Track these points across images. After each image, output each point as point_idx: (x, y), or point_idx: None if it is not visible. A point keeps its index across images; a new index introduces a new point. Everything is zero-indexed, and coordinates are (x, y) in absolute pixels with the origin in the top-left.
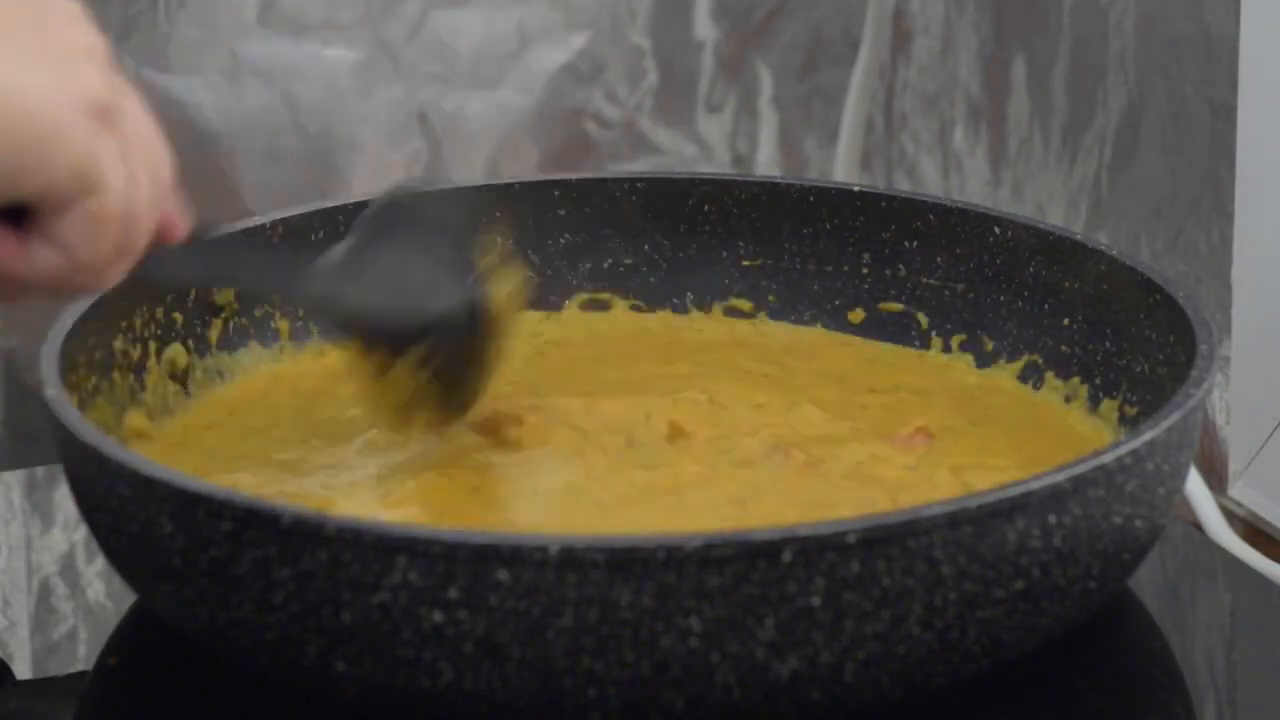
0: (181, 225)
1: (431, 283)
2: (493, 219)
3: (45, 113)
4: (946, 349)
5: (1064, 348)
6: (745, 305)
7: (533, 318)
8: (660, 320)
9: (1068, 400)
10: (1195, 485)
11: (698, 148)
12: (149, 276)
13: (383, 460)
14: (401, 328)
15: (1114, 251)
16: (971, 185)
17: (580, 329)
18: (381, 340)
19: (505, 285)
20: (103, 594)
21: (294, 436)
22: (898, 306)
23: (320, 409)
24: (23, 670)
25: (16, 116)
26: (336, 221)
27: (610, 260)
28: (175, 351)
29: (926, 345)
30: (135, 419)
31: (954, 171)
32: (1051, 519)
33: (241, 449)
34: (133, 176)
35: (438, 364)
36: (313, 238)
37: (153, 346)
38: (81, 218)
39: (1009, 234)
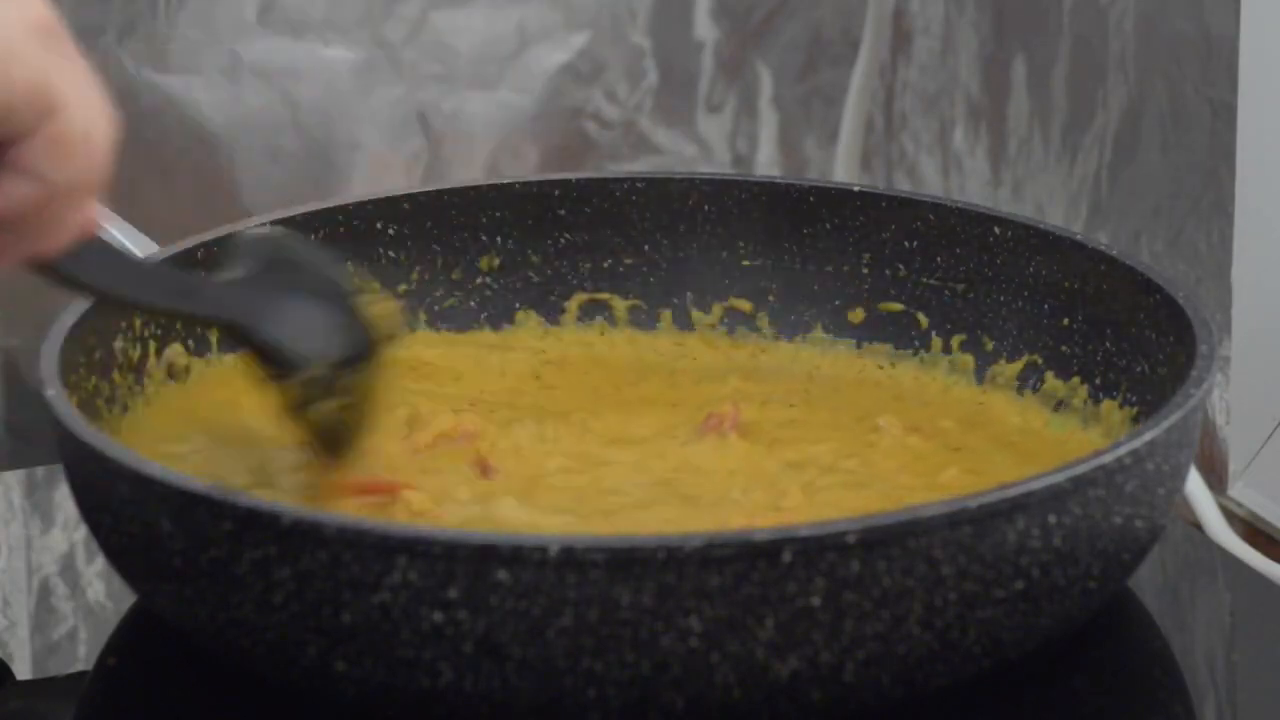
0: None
1: (328, 316)
2: (492, 219)
3: None
4: (946, 349)
5: (1064, 348)
6: (745, 305)
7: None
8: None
9: (1066, 401)
10: (1195, 485)
11: (698, 148)
12: (69, 275)
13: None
14: (319, 354)
15: (1114, 251)
16: (971, 185)
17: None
18: (294, 368)
19: (383, 319)
20: (103, 594)
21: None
22: (898, 306)
23: None
24: (23, 670)
25: None
26: (336, 221)
27: (610, 260)
28: (175, 351)
29: (927, 346)
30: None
31: (954, 171)
32: (1051, 519)
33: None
34: (86, 98)
35: (340, 397)
36: (312, 237)
37: (152, 346)
38: (45, 141)
39: (1009, 234)
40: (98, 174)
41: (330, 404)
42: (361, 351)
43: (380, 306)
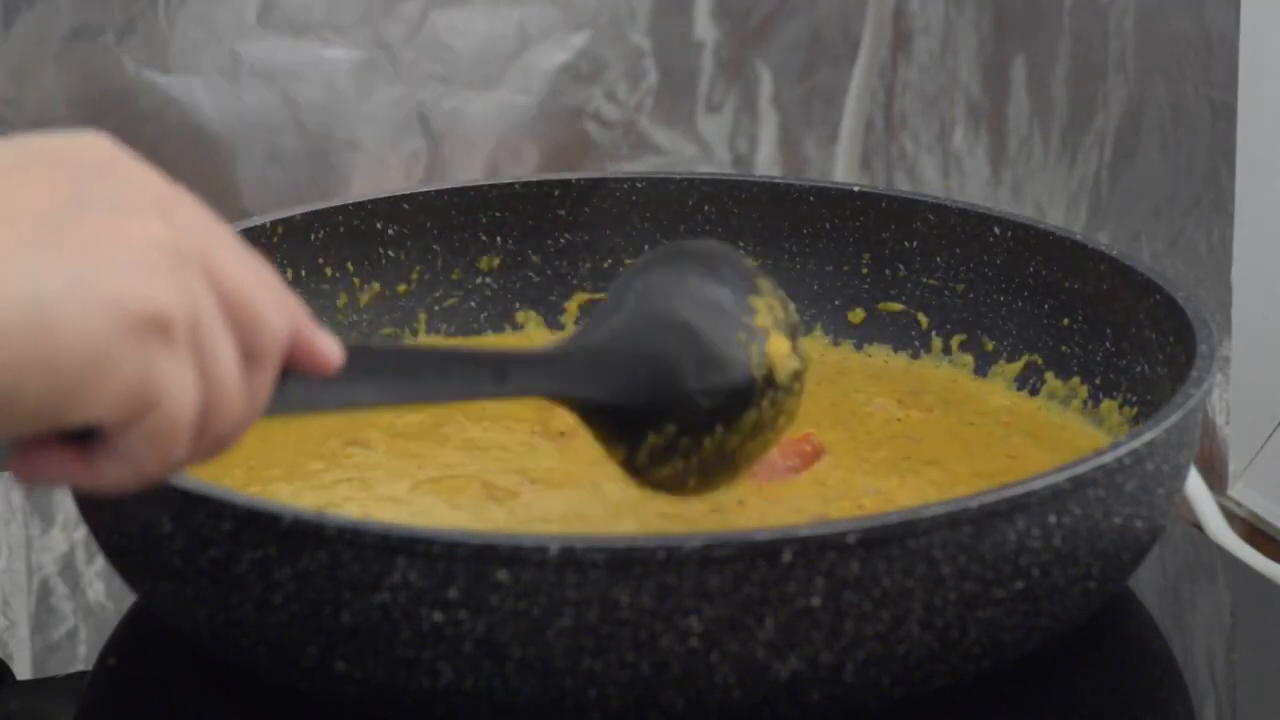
0: (325, 347)
1: (681, 352)
2: (492, 219)
3: (83, 339)
4: (946, 349)
5: (1064, 348)
6: None
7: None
8: None
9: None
10: (1195, 485)
11: (698, 148)
12: (308, 406)
13: (394, 471)
14: (638, 408)
15: (1114, 251)
16: (971, 185)
17: None
18: (619, 420)
19: (783, 344)
20: (103, 594)
21: (296, 439)
22: (898, 306)
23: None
24: (23, 670)
25: (49, 345)
26: (336, 221)
27: (610, 260)
28: None
29: (927, 346)
30: None
31: (954, 171)
32: (1051, 519)
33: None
34: (208, 372)
35: (691, 437)
36: (312, 238)
37: None
38: (142, 435)
39: (1009, 234)
40: (223, 434)
41: (680, 457)
42: (727, 389)
43: (774, 345)
